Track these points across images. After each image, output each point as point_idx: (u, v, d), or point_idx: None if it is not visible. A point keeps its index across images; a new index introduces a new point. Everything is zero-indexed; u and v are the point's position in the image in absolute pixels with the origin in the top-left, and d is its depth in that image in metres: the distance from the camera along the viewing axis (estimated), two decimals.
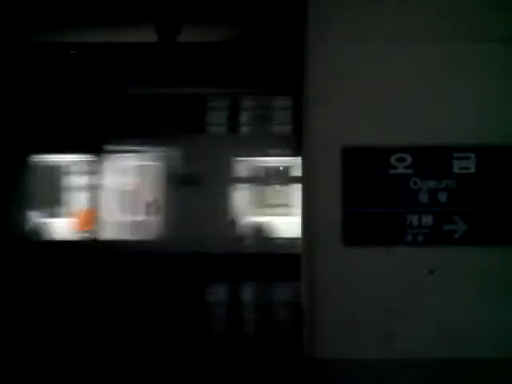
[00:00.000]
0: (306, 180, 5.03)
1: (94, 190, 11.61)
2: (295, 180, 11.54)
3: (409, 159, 4.70)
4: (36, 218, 11.79)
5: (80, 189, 11.89)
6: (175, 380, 5.64)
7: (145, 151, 11.55)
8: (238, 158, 11.35)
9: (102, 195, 11.67)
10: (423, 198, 4.69)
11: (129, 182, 11.88)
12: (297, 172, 11.53)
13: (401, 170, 4.70)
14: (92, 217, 11.62)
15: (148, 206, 11.88)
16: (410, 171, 4.70)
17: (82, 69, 10.32)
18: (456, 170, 4.69)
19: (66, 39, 9.43)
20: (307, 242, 4.91)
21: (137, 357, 6.20)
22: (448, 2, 4.73)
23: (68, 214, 12.23)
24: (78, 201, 11.96)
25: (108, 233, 11.52)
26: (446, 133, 4.68)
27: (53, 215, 12.25)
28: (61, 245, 11.38)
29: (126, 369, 5.84)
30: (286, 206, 12.20)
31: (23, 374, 5.63)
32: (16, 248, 10.61)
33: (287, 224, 11.29)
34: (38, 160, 11.64)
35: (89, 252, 10.72)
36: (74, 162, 11.98)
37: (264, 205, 12.29)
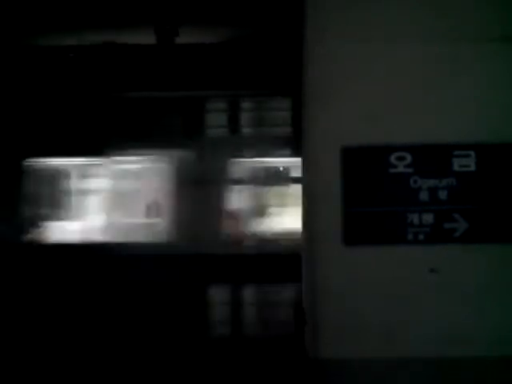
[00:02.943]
0: (305, 180, 5.03)
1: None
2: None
3: (409, 158, 4.71)
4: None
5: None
6: (177, 381, 5.64)
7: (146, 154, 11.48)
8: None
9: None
10: (423, 196, 4.70)
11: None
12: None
13: (401, 169, 4.71)
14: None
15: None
16: (410, 170, 4.71)
17: (81, 71, 10.33)
18: (456, 168, 4.70)
19: (64, 42, 9.43)
20: (308, 242, 4.91)
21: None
22: (448, 2, 4.75)
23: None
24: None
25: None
26: (445, 131, 4.70)
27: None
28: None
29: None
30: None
31: None
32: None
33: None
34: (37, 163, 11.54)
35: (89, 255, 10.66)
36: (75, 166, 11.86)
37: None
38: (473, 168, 4.71)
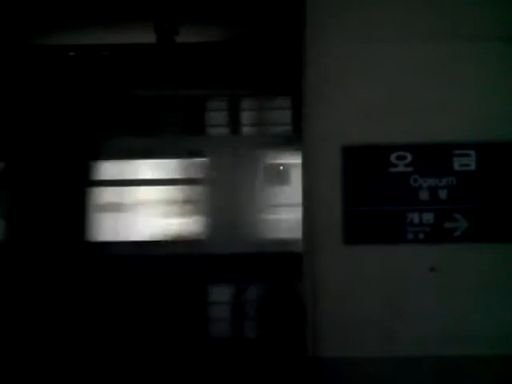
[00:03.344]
0: (305, 179, 5.03)
1: None
2: None
3: (409, 157, 4.71)
4: None
5: None
6: (178, 381, 5.64)
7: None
8: None
9: None
10: (424, 195, 4.70)
11: None
12: None
13: (401, 168, 4.71)
14: None
15: None
16: (410, 169, 4.71)
17: (81, 71, 10.32)
18: (456, 167, 4.70)
19: (64, 41, 9.42)
20: (308, 241, 4.91)
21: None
22: (449, 1, 4.74)
23: None
24: None
25: None
26: (446, 130, 4.69)
27: None
28: None
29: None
30: None
31: None
32: None
33: None
34: None
35: None
36: None
37: None
38: (473, 167, 4.70)
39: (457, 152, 4.70)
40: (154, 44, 8.76)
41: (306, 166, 5.00)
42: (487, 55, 4.70)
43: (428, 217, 4.69)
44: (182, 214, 10.79)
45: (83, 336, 7.70)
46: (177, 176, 11.10)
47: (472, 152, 4.70)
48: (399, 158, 4.71)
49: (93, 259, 9.85)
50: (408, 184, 4.70)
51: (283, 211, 10.77)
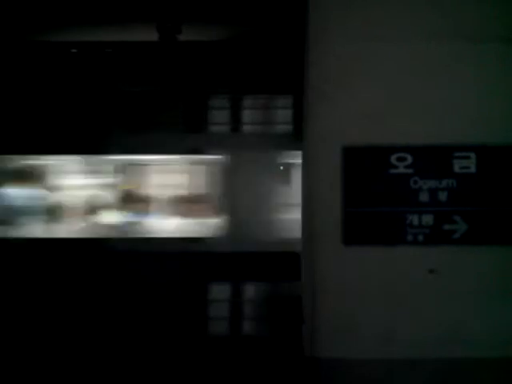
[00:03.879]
0: (306, 179, 5.04)
1: None
2: None
3: (409, 159, 4.71)
4: None
5: None
6: (173, 380, 5.63)
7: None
8: None
9: None
10: (423, 197, 4.70)
11: None
12: None
13: (401, 170, 4.71)
14: None
15: None
16: (410, 171, 4.71)
17: (83, 67, 10.32)
18: (456, 169, 4.70)
19: (67, 38, 9.43)
20: (307, 241, 4.91)
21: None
22: (450, 2, 4.74)
23: None
24: None
25: None
26: (446, 132, 4.70)
27: None
28: None
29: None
30: None
31: None
32: None
33: None
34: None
35: None
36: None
37: None
38: (473, 170, 4.70)
39: (457, 154, 4.70)
40: (156, 42, 8.76)
41: (306, 166, 5.00)
42: (487, 56, 4.70)
43: (427, 219, 4.69)
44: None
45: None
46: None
47: (472, 154, 4.70)
48: (399, 159, 4.71)
49: None
50: (408, 185, 4.70)
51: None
